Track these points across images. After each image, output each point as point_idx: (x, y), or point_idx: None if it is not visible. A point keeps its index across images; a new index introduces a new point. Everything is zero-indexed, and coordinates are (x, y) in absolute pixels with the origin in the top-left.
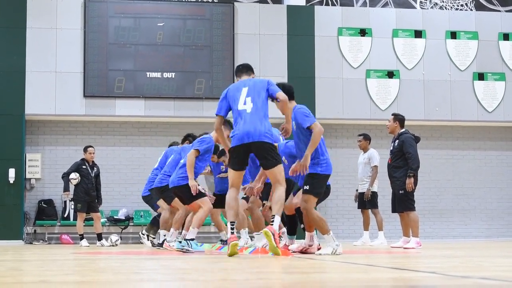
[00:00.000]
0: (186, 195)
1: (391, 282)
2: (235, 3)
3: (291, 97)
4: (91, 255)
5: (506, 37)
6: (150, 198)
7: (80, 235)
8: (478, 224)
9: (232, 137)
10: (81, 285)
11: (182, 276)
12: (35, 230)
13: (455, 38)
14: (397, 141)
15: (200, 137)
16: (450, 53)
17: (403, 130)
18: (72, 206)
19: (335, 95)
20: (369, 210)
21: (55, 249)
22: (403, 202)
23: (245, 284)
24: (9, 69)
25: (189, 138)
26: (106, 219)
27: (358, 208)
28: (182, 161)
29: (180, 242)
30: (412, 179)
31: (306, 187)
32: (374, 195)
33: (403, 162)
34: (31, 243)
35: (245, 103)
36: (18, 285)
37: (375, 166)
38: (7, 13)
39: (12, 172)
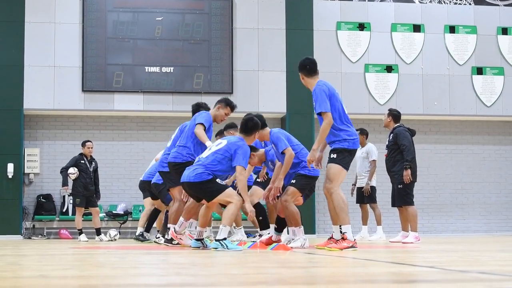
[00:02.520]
0: (207, 193)
1: (390, 277)
2: None
3: (263, 125)
4: (90, 250)
5: (504, 31)
6: (163, 186)
7: (79, 230)
8: (476, 219)
9: (351, 139)
10: (80, 280)
11: (181, 270)
12: (33, 225)
13: (453, 32)
14: (391, 135)
15: (198, 113)
16: (448, 47)
17: (397, 124)
18: (71, 201)
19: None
20: (368, 205)
21: (54, 244)
22: (401, 197)
23: (244, 278)
24: (8, 64)
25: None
26: (104, 214)
27: (357, 202)
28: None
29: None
30: (409, 171)
31: (293, 181)
32: (373, 189)
33: (400, 155)
34: (29, 238)
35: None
36: (17, 280)
37: (373, 160)
38: (5, 7)
39: (10, 167)
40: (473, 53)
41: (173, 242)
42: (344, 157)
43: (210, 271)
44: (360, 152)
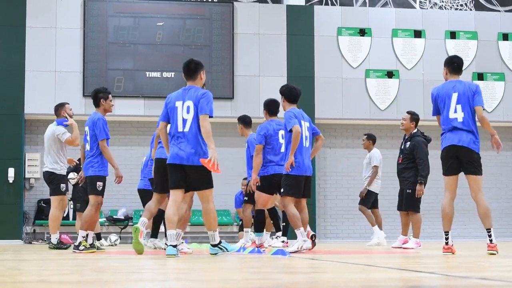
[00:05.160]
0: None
1: (391, 282)
2: (234, 2)
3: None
4: (90, 255)
5: (505, 37)
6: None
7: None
8: (477, 224)
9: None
10: (80, 285)
11: (182, 276)
12: (34, 230)
13: (454, 38)
14: (409, 142)
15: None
16: (449, 53)
17: (415, 131)
18: (71, 206)
19: (335, 95)
20: (371, 209)
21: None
22: (409, 202)
23: (244, 284)
24: (9, 68)
25: None
26: (105, 219)
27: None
28: None
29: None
30: (422, 186)
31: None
32: (371, 194)
33: (413, 164)
34: (30, 242)
35: (455, 111)
36: (17, 285)
37: (375, 166)
38: (6, 12)
39: (11, 172)
40: (474, 59)
41: (80, 248)
42: None
43: (210, 277)
44: (366, 158)
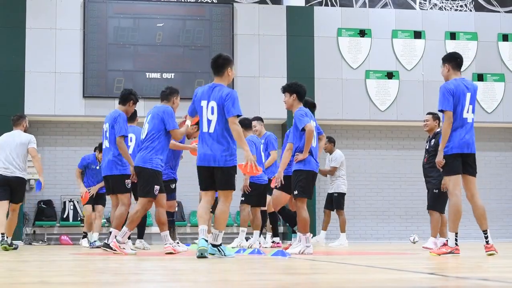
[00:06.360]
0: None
1: (390, 283)
2: (234, 3)
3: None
4: (90, 255)
5: (505, 38)
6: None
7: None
8: (477, 225)
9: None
10: (80, 286)
11: (181, 277)
12: (34, 231)
13: (454, 39)
14: (433, 140)
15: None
16: None
17: (439, 129)
18: (71, 207)
19: (335, 96)
20: (331, 211)
21: (54, 249)
22: (436, 202)
23: (244, 285)
24: (8, 69)
25: None
26: (105, 220)
27: (325, 208)
28: None
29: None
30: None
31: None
32: (341, 196)
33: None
34: (30, 243)
35: (468, 111)
36: (18, 286)
37: (333, 166)
38: (6, 13)
39: None
40: (474, 60)
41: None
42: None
43: (210, 278)
44: (328, 160)
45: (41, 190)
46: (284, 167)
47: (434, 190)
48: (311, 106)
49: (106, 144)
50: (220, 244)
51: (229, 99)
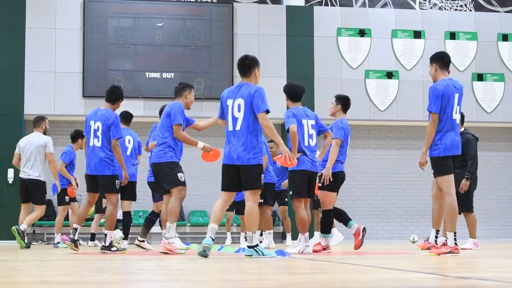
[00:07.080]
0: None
1: (390, 283)
2: (234, 3)
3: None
4: (90, 255)
5: (505, 37)
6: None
7: (92, 233)
8: (477, 225)
9: None
10: (79, 285)
11: (181, 276)
12: (34, 231)
13: (454, 38)
14: None
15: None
16: (449, 53)
17: (463, 129)
18: None
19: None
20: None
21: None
22: (462, 203)
23: (244, 284)
24: (8, 69)
25: None
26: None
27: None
28: None
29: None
30: (468, 182)
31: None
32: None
33: (464, 162)
34: (30, 243)
35: (456, 112)
36: (17, 285)
37: None
38: (6, 13)
39: (11, 173)
40: (474, 60)
41: (112, 249)
42: None
43: (210, 277)
44: None
45: (57, 193)
46: (332, 163)
47: (459, 192)
48: (346, 101)
49: (95, 143)
50: (257, 245)
51: (258, 96)
